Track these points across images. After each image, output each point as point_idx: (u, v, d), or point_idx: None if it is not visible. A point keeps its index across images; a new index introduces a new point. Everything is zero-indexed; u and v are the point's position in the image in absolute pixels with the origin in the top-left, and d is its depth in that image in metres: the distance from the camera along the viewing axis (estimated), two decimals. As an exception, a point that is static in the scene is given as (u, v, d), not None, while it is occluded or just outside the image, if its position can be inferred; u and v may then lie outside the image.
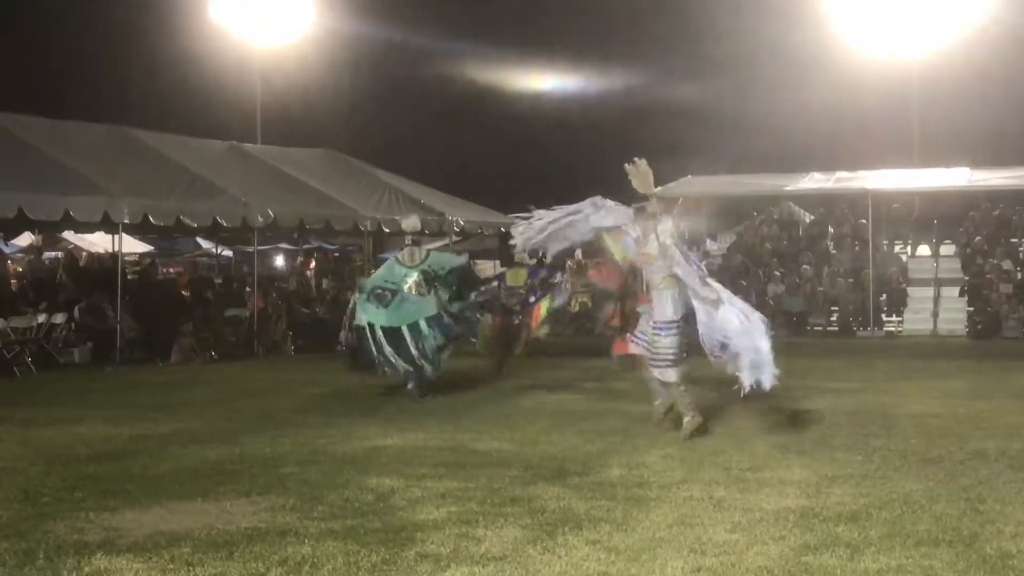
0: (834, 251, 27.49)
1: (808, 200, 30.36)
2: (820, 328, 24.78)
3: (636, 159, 10.11)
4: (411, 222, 14.60)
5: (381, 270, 14.07)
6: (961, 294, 24.85)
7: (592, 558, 5.97)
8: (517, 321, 15.51)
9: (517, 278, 17.00)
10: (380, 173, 24.49)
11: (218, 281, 25.52)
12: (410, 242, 14.13)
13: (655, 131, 35.73)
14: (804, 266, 25.81)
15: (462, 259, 14.56)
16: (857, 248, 26.34)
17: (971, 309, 24.24)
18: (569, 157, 34.72)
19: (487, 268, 26.38)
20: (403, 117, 35.58)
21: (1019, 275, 24.51)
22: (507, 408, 12.16)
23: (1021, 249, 25.96)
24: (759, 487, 7.74)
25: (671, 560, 5.90)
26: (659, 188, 27.85)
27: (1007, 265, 24.84)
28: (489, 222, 23.27)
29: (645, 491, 7.65)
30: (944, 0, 31.02)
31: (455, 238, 23.05)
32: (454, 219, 21.31)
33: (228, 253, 33.06)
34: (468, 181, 28.78)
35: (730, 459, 8.77)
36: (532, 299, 15.71)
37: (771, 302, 24.92)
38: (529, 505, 7.19)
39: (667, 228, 9.89)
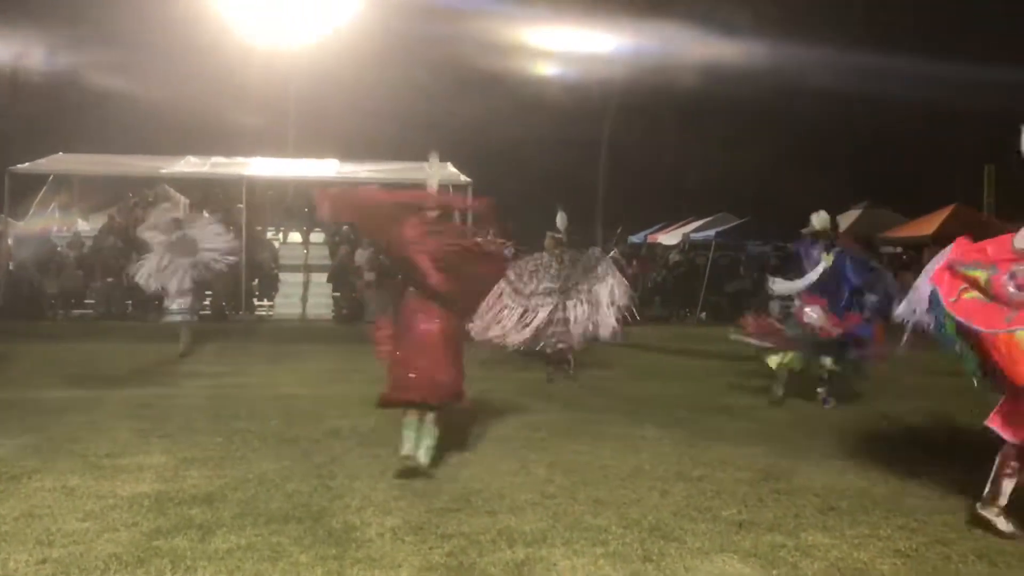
0: (211, 235, 27.58)
1: (185, 183, 30.26)
2: (195, 311, 24.73)
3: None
4: None
5: None
6: (329, 280, 26.02)
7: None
8: None
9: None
10: None
11: None
12: None
13: (30, 105, 33.68)
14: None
15: None
16: (231, 233, 26.61)
17: (337, 295, 25.44)
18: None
19: None
20: None
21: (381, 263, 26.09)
22: None
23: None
24: (116, 473, 7.62)
25: (15, 554, 5.66)
26: (27, 164, 26.24)
27: (368, 255, 26.36)
28: None
29: (-7, 484, 7.25)
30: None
31: None
32: None
33: None
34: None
35: (88, 446, 8.54)
36: None
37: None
38: None
39: None
